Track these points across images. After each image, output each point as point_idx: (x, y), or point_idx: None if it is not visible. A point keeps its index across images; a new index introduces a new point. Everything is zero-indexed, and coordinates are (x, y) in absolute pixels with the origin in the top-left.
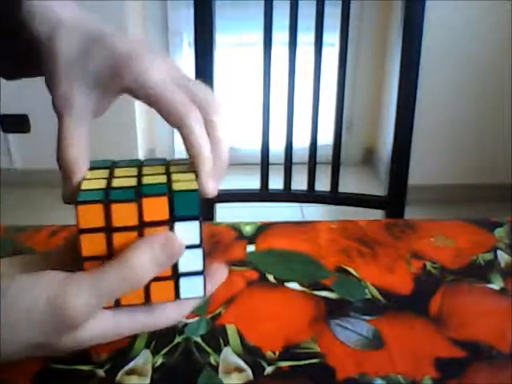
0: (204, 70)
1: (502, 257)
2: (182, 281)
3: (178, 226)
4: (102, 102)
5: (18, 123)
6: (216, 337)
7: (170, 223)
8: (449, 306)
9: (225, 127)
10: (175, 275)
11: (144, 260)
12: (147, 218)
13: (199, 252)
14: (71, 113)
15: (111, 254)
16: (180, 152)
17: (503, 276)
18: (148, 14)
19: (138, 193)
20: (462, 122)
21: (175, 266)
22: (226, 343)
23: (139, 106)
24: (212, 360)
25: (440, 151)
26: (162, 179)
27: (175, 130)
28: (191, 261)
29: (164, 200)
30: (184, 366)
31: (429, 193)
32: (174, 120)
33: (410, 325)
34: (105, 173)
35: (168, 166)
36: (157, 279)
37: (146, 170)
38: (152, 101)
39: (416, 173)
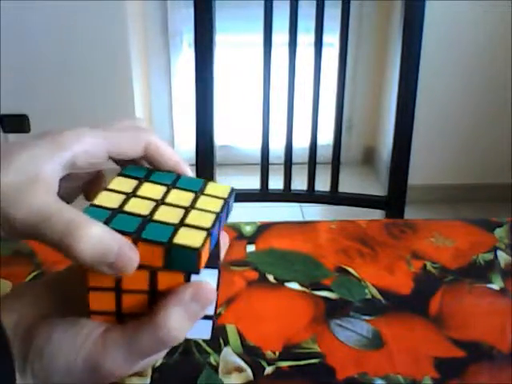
0: (204, 70)
1: (502, 257)
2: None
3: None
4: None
5: (18, 123)
6: (216, 337)
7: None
8: (449, 306)
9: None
10: None
11: (178, 319)
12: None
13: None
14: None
15: (119, 310)
16: (179, 152)
17: (503, 276)
18: (148, 13)
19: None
20: (462, 122)
21: None
22: (226, 343)
23: (139, 107)
24: (212, 360)
25: (440, 151)
26: (178, 215)
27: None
28: None
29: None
30: (184, 366)
31: (429, 193)
32: (139, 149)
33: (410, 325)
34: (128, 186)
35: (199, 192)
36: None
37: (170, 197)
38: (110, 150)
39: (416, 173)
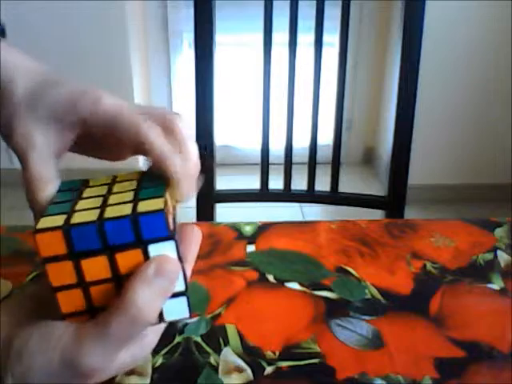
0: (204, 70)
1: (502, 257)
2: (165, 303)
3: (151, 248)
4: (61, 140)
5: None
6: (216, 337)
7: (142, 247)
8: (449, 306)
9: (187, 130)
10: None
11: (145, 296)
12: (122, 268)
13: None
14: (35, 151)
15: (91, 306)
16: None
17: (503, 276)
18: (148, 14)
19: (103, 240)
20: (462, 122)
21: None
22: (226, 343)
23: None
24: (212, 360)
25: (440, 151)
26: (128, 205)
27: None
28: None
29: (137, 252)
30: (184, 366)
31: (429, 193)
32: (135, 136)
33: (410, 325)
34: (67, 202)
35: (139, 179)
36: None
37: (114, 190)
38: (109, 125)
39: (416, 173)
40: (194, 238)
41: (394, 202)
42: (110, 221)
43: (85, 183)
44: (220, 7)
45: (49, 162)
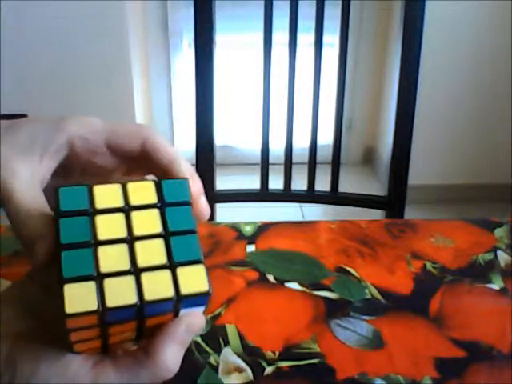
0: (204, 70)
1: (502, 257)
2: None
3: (182, 313)
4: (45, 166)
5: None
6: (216, 337)
7: (174, 314)
8: (449, 306)
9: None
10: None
11: (174, 354)
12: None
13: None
14: (17, 180)
15: (105, 343)
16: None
17: (503, 276)
18: (148, 14)
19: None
20: (462, 122)
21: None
22: (226, 343)
23: (139, 107)
24: (212, 360)
25: (440, 151)
26: (162, 258)
27: (175, 130)
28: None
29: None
30: (184, 366)
31: (429, 193)
32: (137, 142)
33: (410, 325)
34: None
35: (156, 191)
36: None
37: (132, 202)
38: (109, 139)
39: (416, 173)
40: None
41: (394, 202)
42: (150, 303)
43: (90, 190)
44: (220, 7)
45: (36, 191)
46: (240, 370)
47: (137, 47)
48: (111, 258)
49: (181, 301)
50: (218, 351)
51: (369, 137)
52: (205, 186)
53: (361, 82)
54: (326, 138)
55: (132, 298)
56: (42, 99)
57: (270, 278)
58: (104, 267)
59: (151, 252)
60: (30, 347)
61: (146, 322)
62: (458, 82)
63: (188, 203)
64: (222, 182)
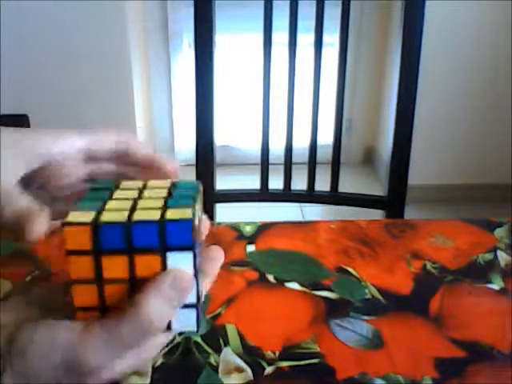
0: (204, 70)
1: (502, 257)
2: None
3: (170, 256)
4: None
5: (18, 123)
6: (216, 337)
7: (161, 254)
8: (449, 306)
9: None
10: None
11: (157, 306)
12: (139, 270)
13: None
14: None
15: (103, 303)
16: (179, 152)
17: (503, 276)
18: (148, 14)
19: (128, 242)
20: (462, 122)
21: None
22: (226, 343)
23: (139, 107)
24: (212, 360)
25: (440, 151)
26: (157, 211)
27: (175, 130)
28: None
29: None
30: (184, 366)
31: (429, 193)
32: (111, 146)
33: (410, 325)
34: (98, 200)
35: (169, 188)
36: None
37: (144, 195)
38: (87, 153)
39: (416, 173)
40: (218, 257)
41: (394, 202)
42: (138, 224)
43: (116, 185)
44: (220, 7)
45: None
46: (240, 370)
47: (137, 47)
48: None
49: (165, 227)
50: (218, 351)
51: (369, 137)
52: (205, 186)
53: (361, 82)
54: (325, 138)
55: (122, 218)
56: (42, 100)
57: (270, 278)
58: (107, 207)
59: (149, 210)
60: (30, 324)
61: (135, 264)
62: (457, 82)
63: (189, 248)
64: (222, 182)
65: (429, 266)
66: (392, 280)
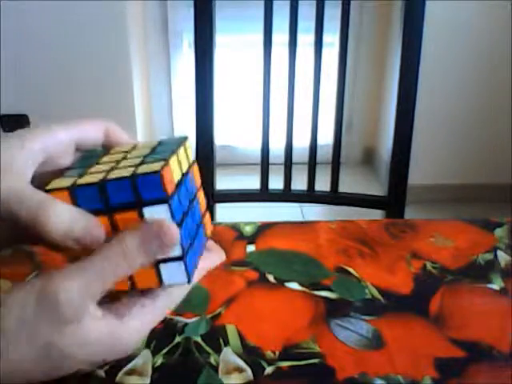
0: (204, 70)
1: (502, 257)
2: (162, 267)
3: (146, 210)
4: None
5: (18, 123)
6: (216, 337)
7: (138, 209)
8: (449, 306)
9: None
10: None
11: (131, 245)
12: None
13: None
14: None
15: None
16: None
17: (503, 276)
18: (148, 14)
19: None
20: (462, 122)
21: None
22: (226, 343)
23: (139, 107)
24: (212, 360)
25: (440, 151)
26: (132, 168)
27: (175, 130)
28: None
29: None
30: (184, 366)
31: (429, 193)
32: (100, 136)
33: (410, 325)
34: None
35: (155, 146)
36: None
37: (128, 156)
38: (75, 143)
39: (416, 173)
40: (217, 255)
41: (394, 202)
42: (111, 182)
43: (106, 151)
44: (220, 7)
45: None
46: (240, 370)
47: (137, 47)
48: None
49: (136, 181)
50: (218, 351)
51: (369, 137)
52: (205, 186)
53: (361, 82)
54: (325, 138)
55: (98, 179)
56: (42, 99)
57: (270, 278)
58: (90, 170)
59: (126, 168)
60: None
61: (116, 222)
62: (458, 81)
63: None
64: (222, 182)
65: (429, 266)
66: (392, 280)
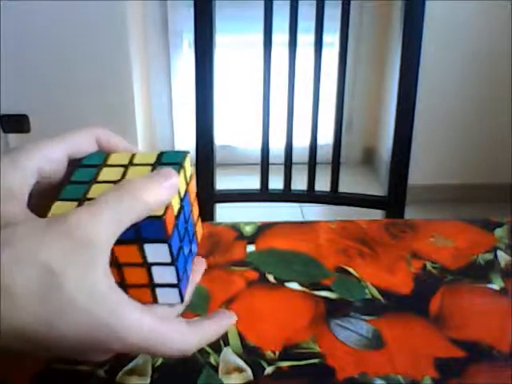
0: (204, 70)
1: (502, 257)
2: (158, 291)
3: (147, 247)
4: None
5: (18, 123)
6: None
7: (139, 244)
8: (449, 306)
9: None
10: (151, 285)
11: (146, 182)
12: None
13: (172, 269)
14: None
15: None
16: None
17: (503, 276)
18: (148, 14)
19: None
20: (462, 122)
21: (151, 276)
22: (226, 343)
23: (139, 107)
24: (212, 360)
25: (440, 151)
26: None
27: (175, 130)
28: (166, 275)
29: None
30: (184, 366)
31: (429, 193)
32: (93, 146)
33: (410, 325)
34: (89, 175)
35: (154, 164)
36: (134, 286)
37: (128, 175)
38: (69, 156)
39: (416, 173)
40: (201, 265)
41: (394, 202)
42: None
43: (105, 160)
44: (220, 7)
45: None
46: (240, 370)
47: (137, 47)
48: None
49: (139, 224)
50: (218, 351)
51: (369, 137)
52: (205, 186)
53: (361, 82)
54: (325, 138)
55: None
56: (42, 99)
57: (270, 278)
58: (90, 194)
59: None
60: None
61: (117, 255)
62: (457, 81)
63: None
64: (222, 182)
65: (429, 265)
66: (392, 280)
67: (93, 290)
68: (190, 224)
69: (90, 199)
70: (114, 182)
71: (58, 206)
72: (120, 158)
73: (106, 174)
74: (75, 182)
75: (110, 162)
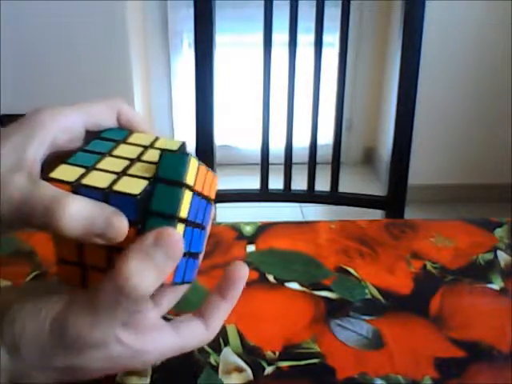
0: (204, 70)
1: (502, 257)
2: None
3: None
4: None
5: None
6: (216, 336)
7: (138, 227)
8: (449, 306)
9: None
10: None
11: (137, 265)
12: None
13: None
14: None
15: (83, 260)
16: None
17: (503, 276)
18: (148, 14)
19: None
20: (462, 122)
21: None
22: (226, 343)
23: (139, 107)
24: (212, 360)
25: (440, 151)
26: (142, 181)
27: (175, 130)
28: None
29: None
30: (184, 366)
31: (429, 193)
32: (112, 120)
33: (409, 325)
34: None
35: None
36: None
37: (143, 157)
38: (87, 126)
39: (416, 173)
40: (240, 276)
41: (394, 202)
42: (116, 195)
43: (126, 137)
44: (220, 7)
45: None
46: (240, 370)
47: (137, 47)
48: (108, 165)
49: (110, 197)
50: (218, 351)
51: (369, 137)
52: None
53: (361, 82)
54: (325, 137)
55: (104, 184)
56: (42, 99)
57: (270, 278)
58: (100, 165)
59: (136, 179)
60: (23, 296)
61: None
62: (457, 81)
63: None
64: (222, 182)
65: (429, 266)
66: (392, 280)
67: None
68: (202, 233)
69: (99, 170)
70: (130, 160)
71: (62, 169)
72: (142, 139)
73: (122, 149)
74: (88, 151)
75: (130, 140)
